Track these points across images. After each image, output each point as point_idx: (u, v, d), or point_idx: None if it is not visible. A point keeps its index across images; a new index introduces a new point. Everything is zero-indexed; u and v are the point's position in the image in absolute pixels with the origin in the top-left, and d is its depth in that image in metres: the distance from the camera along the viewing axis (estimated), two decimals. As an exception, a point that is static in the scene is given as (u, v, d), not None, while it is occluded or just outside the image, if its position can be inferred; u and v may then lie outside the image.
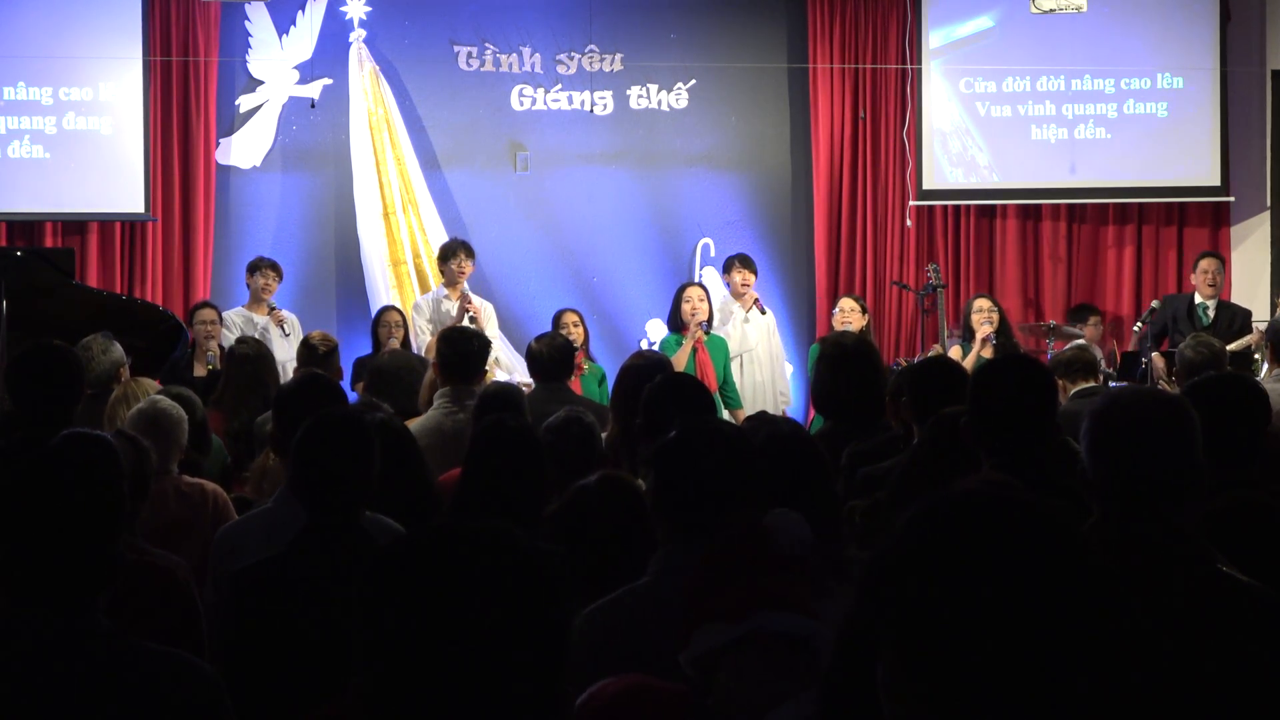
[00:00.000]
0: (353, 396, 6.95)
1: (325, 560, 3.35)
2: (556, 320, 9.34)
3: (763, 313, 9.70)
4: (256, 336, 9.33)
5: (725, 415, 8.87)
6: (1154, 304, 10.17)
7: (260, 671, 3.30)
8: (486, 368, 6.38)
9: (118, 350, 6.20)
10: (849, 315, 9.57)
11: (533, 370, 6.35)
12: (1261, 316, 10.15)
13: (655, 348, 9.85)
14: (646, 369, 5.21)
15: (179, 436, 4.73)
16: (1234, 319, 10.10)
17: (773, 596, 2.19)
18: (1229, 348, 9.49)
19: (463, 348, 5.87)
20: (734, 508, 2.89)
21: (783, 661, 2.17)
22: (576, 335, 8.83)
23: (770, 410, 8.51)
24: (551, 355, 6.23)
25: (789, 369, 11.32)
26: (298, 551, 3.42)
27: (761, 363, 9.55)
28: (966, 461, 3.54)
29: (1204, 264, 10.24)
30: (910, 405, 4.52)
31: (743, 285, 9.77)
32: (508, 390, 5.53)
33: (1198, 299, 10.17)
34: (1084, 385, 6.63)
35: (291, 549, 3.43)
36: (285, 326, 9.64)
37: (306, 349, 6.70)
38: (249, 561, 3.53)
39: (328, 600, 3.19)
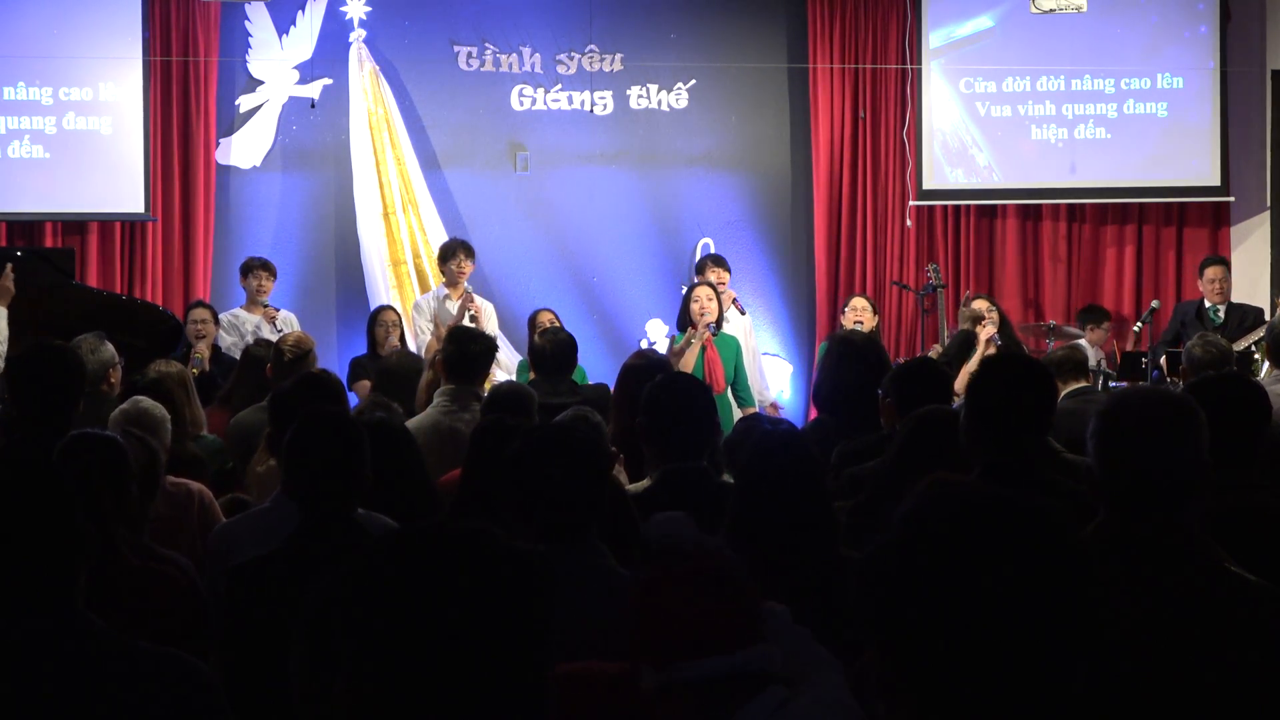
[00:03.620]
0: (350, 396, 6.94)
1: (320, 557, 3.36)
2: (532, 320, 9.34)
3: (741, 313, 9.59)
4: (246, 336, 9.33)
5: (735, 413, 8.86)
6: (1154, 304, 10.16)
7: (255, 667, 3.31)
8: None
9: (108, 350, 6.19)
10: (861, 314, 9.50)
11: (536, 365, 6.59)
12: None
13: (655, 347, 9.84)
14: (647, 369, 5.23)
15: (162, 436, 4.73)
16: (1245, 318, 10.10)
17: (694, 641, 2.21)
18: (1235, 346, 9.51)
19: (468, 348, 5.87)
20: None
21: (713, 697, 2.21)
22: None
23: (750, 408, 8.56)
24: (554, 351, 6.50)
25: (789, 368, 11.33)
26: (293, 549, 3.43)
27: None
28: (943, 461, 3.52)
29: (1210, 272, 10.21)
30: (893, 406, 4.51)
31: (718, 284, 9.72)
32: (518, 391, 5.52)
33: (1207, 304, 10.17)
34: (1075, 385, 6.59)
35: (286, 546, 3.45)
36: (278, 323, 9.60)
37: (275, 353, 6.64)
38: (245, 559, 3.54)
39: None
